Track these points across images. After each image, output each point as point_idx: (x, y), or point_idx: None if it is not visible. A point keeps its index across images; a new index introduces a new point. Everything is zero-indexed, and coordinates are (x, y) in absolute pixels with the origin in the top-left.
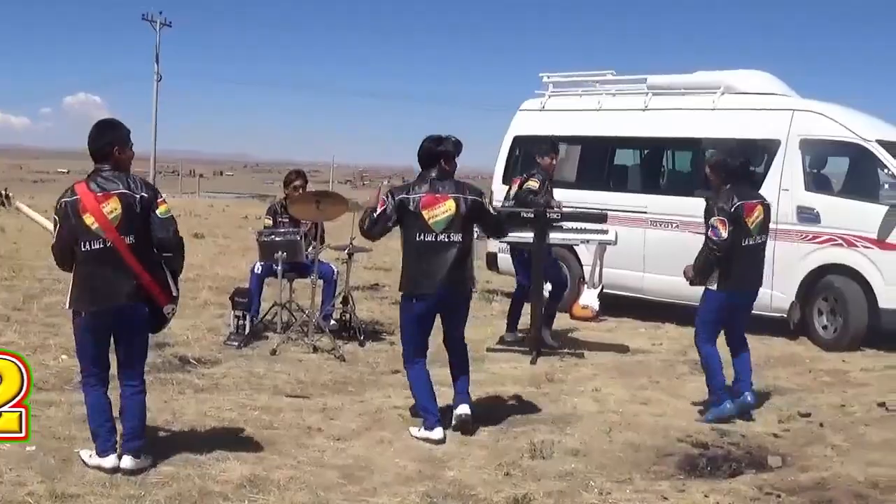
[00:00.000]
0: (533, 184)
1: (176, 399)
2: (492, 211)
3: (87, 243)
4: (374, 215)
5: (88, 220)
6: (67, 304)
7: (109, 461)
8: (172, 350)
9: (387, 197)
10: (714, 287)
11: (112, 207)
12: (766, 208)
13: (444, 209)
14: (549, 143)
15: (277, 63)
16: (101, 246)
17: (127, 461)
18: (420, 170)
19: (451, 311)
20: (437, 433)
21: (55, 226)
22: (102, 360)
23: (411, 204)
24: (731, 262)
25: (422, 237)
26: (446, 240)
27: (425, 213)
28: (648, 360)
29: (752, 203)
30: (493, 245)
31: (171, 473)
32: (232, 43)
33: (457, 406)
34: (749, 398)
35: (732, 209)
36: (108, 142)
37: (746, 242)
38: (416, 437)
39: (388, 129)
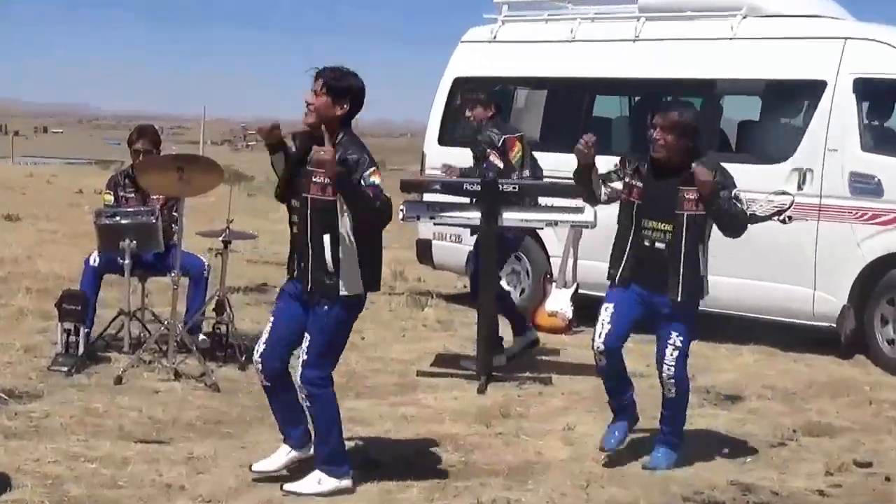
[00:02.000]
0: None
1: None
2: None
3: None
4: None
5: None
6: None
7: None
8: None
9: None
10: (706, 294)
11: None
12: None
13: None
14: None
15: None
16: None
17: None
18: (347, 119)
19: None
20: (349, 479)
21: None
22: None
23: None
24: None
25: None
26: None
27: None
28: (640, 388)
29: None
30: (426, 230)
31: None
32: None
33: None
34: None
35: None
36: None
37: None
38: (321, 493)
39: (280, 73)
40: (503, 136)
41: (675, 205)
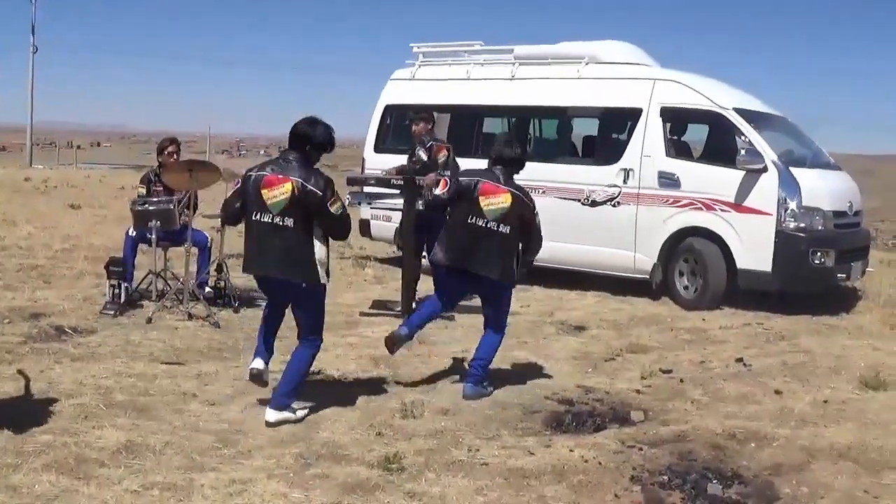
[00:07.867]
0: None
1: (52, 368)
2: (333, 212)
3: None
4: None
5: None
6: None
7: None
8: (48, 320)
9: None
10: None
11: None
12: None
13: (282, 191)
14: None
15: (155, 33)
16: None
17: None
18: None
19: (288, 300)
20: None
21: None
22: None
23: (251, 182)
24: None
25: (257, 216)
26: (280, 223)
27: (264, 193)
28: (516, 322)
29: None
30: (366, 212)
31: (48, 442)
32: (109, 13)
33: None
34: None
35: None
36: None
37: None
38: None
39: (265, 99)
40: (431, 141)
41: None
